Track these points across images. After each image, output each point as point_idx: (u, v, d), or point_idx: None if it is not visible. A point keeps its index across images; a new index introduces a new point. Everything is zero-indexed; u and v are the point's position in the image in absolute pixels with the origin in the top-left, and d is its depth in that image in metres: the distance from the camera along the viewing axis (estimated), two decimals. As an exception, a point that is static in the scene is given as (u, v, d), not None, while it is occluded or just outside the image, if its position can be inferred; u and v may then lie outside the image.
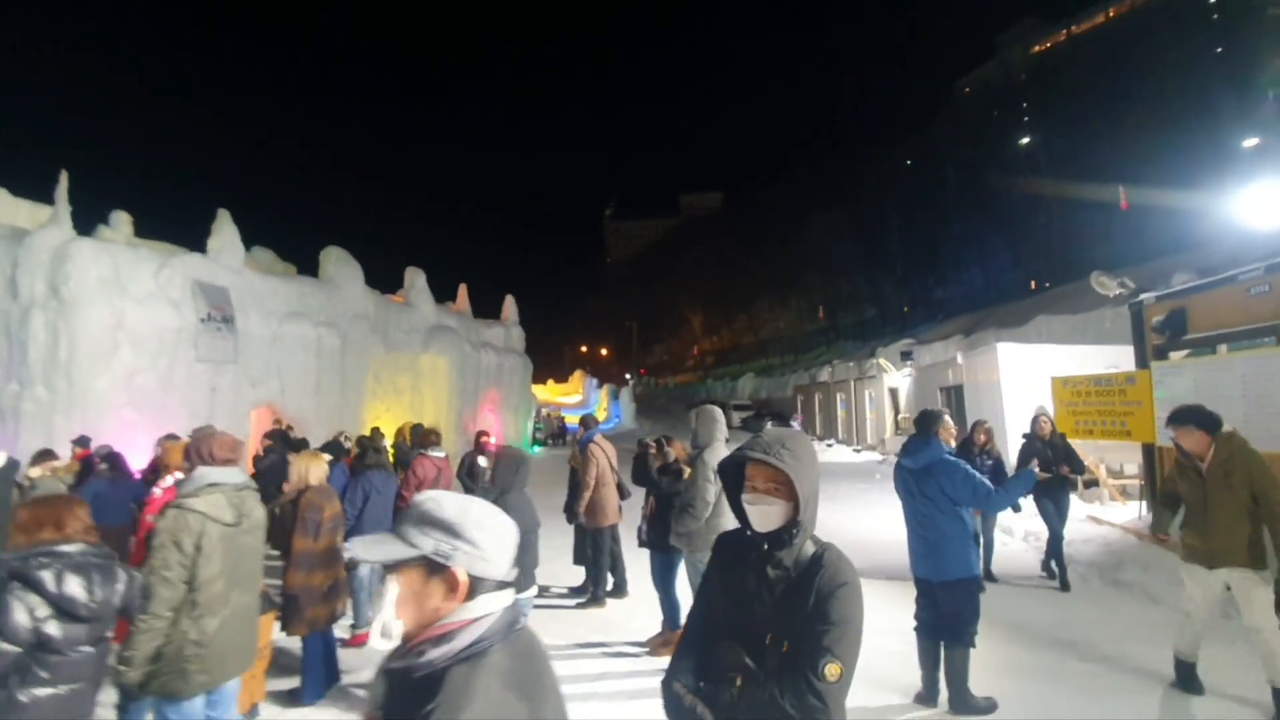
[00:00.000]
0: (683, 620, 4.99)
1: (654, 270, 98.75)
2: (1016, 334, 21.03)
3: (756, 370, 57.43)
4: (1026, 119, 67.95)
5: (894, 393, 20.61)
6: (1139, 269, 25.08)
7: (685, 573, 5.14)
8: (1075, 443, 9.69)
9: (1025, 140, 58.12)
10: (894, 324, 54.96)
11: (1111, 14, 74.50)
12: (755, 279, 73.86)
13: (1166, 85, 39.69)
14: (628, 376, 70.36)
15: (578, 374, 63.25)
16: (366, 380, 16.79)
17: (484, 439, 8.76)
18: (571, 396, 60.51)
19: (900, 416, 19.85)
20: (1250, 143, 35.52)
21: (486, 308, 25.89)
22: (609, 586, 6.71)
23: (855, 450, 23.12)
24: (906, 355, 20.54)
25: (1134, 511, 8.74)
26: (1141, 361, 8.05)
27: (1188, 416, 3.99)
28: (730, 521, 4.80)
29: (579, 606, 6.46)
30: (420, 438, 8.12)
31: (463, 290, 23.45)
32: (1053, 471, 6.67)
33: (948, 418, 4.41)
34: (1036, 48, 79.59)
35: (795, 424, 29.09)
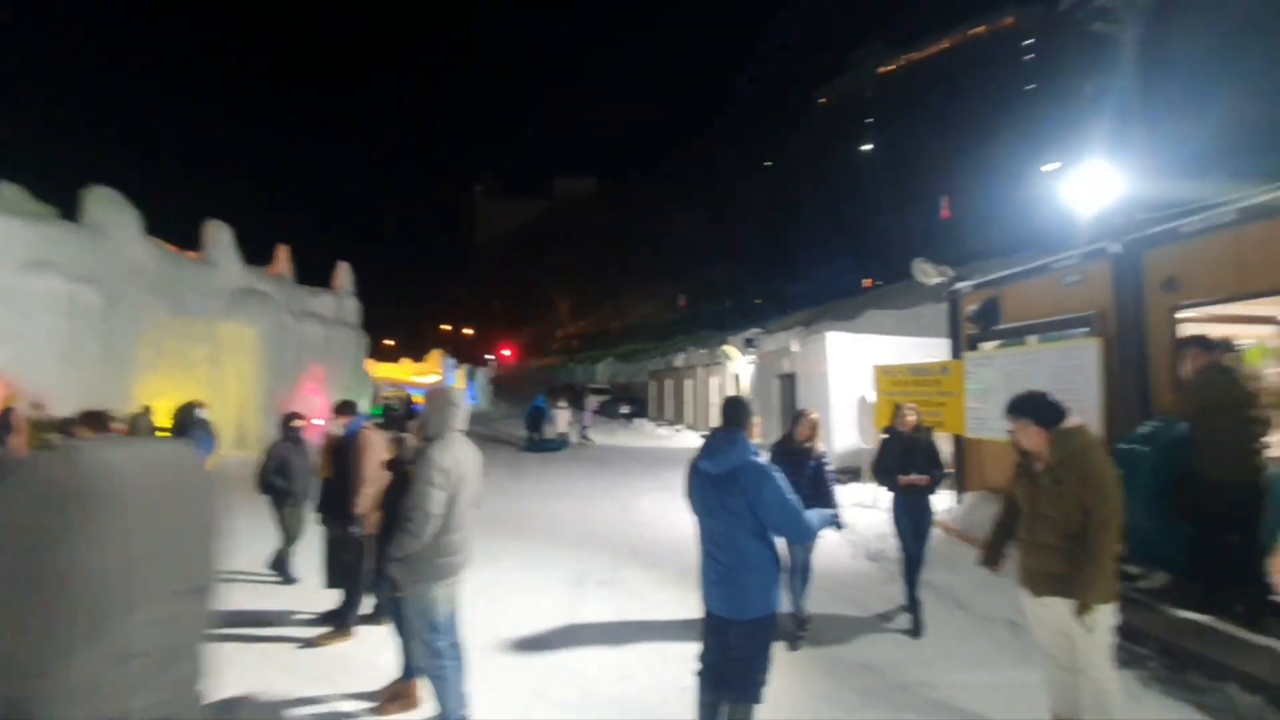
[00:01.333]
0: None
1: (524, 252, 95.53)
2: (849, 326, 21.53)
3: (617, 356, 56.89)
4: (871, 131, 72.62)
5: (737, 379, 20.41)
6: (959, 270, 26.85)
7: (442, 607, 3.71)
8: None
9: (868, 149, 61.65)
10: (748, 315, 56.52)
11: (947, 44, 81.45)
12: (623, 266, 73.43)
13: (988, 108, 43.34)
14: (488, 358, 67.49)
15: (436, 353, 59.57)
16: (140, 349, 13.79)
17: (296, 423, 6.43)
18: (427, 376, 57.02)
19: (742, 403, 19.66)
20: (1049, 168, 39.59)
21: (321, 275, 22.90)
22: (366, 611, 5.20)
23: (703, 436, 22.82)
24: (750, 343, 20.39)
25: (945, 503, 8.50)
26: (956, 351, 7.72)
27: (1023, 408, 3.17)
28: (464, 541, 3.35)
29: (306, 645, 4.89)
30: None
31: (282, 252, 20.34)
32: (927, 475, 5.11)
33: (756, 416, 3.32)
34: (883, 68, 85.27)
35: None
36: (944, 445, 10.29)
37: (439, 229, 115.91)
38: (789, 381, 15.23)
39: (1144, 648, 4.17)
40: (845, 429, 11.81)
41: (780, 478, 2.99)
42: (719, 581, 3.07)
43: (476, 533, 3.66)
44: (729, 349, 21.46)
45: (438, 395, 3.50)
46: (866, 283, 46.01)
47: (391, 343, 62.61)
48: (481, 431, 25.58)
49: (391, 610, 4.20)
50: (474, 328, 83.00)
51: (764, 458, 3.10)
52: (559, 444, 19.89)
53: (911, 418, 5.26)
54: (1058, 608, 2.97)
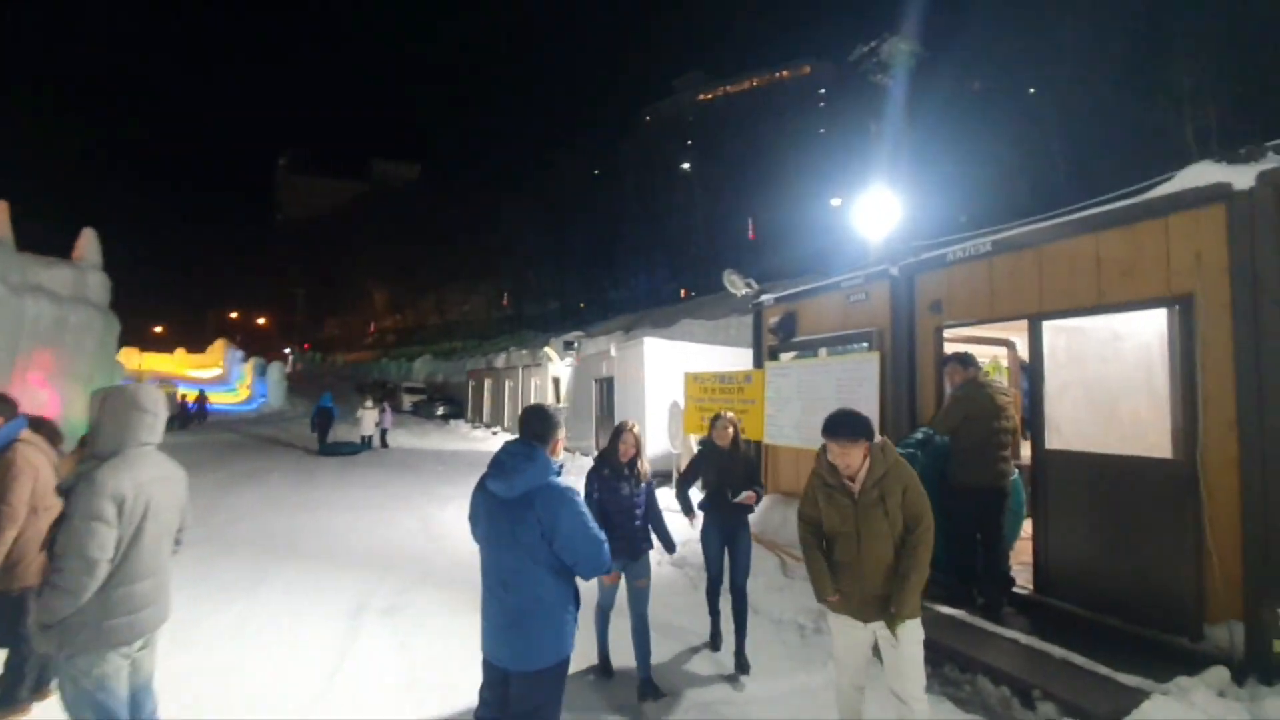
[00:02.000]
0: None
1: (335, 236, 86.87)
2: (665, 333, 22.17)
3: (436, 353, 53.87)
4: (690, 152, 76.60)
5: (557, 382, 20.03)
6: (764, 285, 28.93)
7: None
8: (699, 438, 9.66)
9: (686, 168, 64.81)
10: (572, 318, 56.60)
11: (755, 83, 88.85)
12: (447, 260, 69.69)
13: (787, 143, 47.60)
14: (288, 351, 60.37)
15: (219, 343, 52.03)
16: None
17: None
18: (208, 369, 49.53)
19: (560, 405, 19.29)
20: (835, 201, 44.44)
21: (62, 243, 18.57)
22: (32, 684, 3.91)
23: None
24: (570, 345, 20.12)
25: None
26: (758, 361, 7.97)
27: (857, 428, 2.86)
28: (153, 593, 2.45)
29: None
30: None
31: (2, 208, 16.15)
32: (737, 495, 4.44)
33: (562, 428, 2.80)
34: (702, 95, 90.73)
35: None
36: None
37: (232, 202, 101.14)
38: (607, 385, 15.14)
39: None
40: (658, 434, 11.90)
41: (582, 504, 2.54)
42: (505, 626, 2.54)
43: (233, 558, 2.83)
44: (549, 350, 21.02)
45: (113, 397, 2.58)
46: (683, 293, 48.19)
47: (161, 330, 53.44)
48: (268, 434, 22.49)
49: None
50: (270, 317, 73.76)
51: (571, 479, 2.64)
52: (355, 447, 18.10)
53: (730, 430, 4.62)
54: (874, 628, 2.88)
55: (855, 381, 6.16)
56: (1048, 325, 4.55)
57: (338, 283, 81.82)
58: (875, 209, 6.01)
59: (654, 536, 4.20)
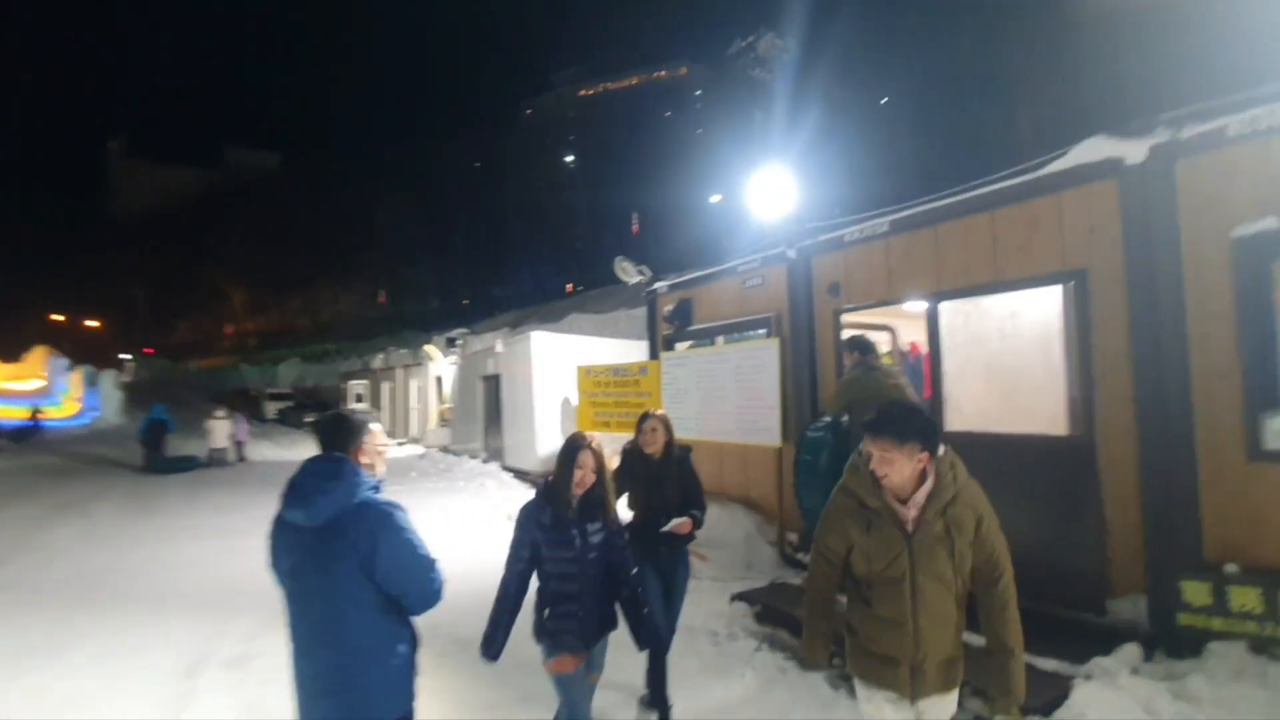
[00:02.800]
0: None
1: (182, 230, 77.48)
2: (554, 328, 21.47)
3: (305, 356, 49.51)
4: (572, 147, 75.78)
5: (439, 382, 18.77)
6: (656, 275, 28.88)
7: None
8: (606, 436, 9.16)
9: (570, 162, 64.07)
10: (455, 315, 54.16)
11: (636, 81, 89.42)
12: (315, 256, 64.19)
13: (667, 140, 48.12)
14: (127, 357, 53.14)
15: (39, 350, 44.67)
16: None
17: None
18: (26, 381, 42.44)
19: (443, 407, 18.08)
20: (716, 198, 45.52)
21: None
22: None
23: (399, 444, 20.55)
24: (453, 342, 18.92)
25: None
26: (653, 352, 7.58)
27: (909, 429, 2.04)
28: None
29: None
30: None
31: None
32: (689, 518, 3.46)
33: (376, 426, 2.23)
34: (583, 91, 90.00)
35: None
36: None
37: (55, 191, 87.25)
38: (494, 383, 14.26)
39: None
40: (549, 434, 11.26)
41: (405, 519, 2.04)
42: (328, 690, 2.01)
43: (36, 612, 2.21)
44: (430, 349, 19.67)
45: None
46: (569, 288, 47.46)
47: None
48: (98, 453, 19.33)
49: None
50: (104, 320, 64.54)
51: (382, 495, 2.10)
52: (191, 462, 15.87)
53: (660, 434, 3.54)
54: (941, 706, 2.11)
55: (754, 369, 5.90)
56: (945, 305, 4.45)
57: (188, 282, 73.24)
58: (768, 190, 5.75)
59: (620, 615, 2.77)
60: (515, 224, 58.71)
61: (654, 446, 3.53)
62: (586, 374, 8.16)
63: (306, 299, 67.36)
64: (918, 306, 4.70)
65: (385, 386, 23.37)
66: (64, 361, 41.23)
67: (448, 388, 17.94)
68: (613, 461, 2.71)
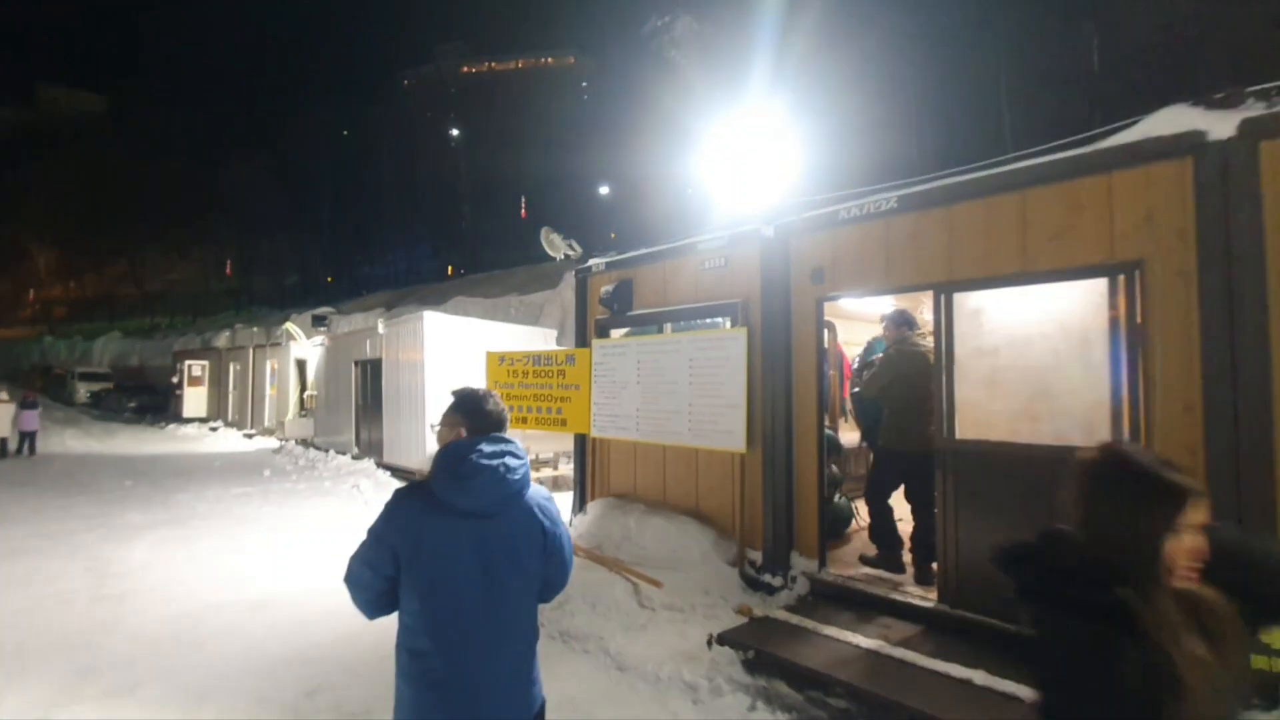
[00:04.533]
0: None
1: (-35, 177, 63.38)
2: (439, 311, 19.58)
3: (130, 330, 42.37)
4: (454, 127, 71.45)
5: (301, 365, 16.30)
6: (539, 268, 27.40)
7: None
8: (522, 434, 7.92)
9: (452, 139, 60.35)
10: (317, 294, 48.89)
11: (521, 64, 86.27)
12: (146, 218, 54.94)
13: (553, 127, 46.52)
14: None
15: None
16: None
17: None
18: None
19: (307, 394, 15.71)
20: (603, 189, 44.70)
21: None
22: None
23: (247, 436, 17.71)
24: (320, 320, 16.53)
25: (566, 514, 7.27)
26: (582, 339, 6.53)
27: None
28: None
29: None
30: None
31: None
32: None
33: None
34: (466, 67, 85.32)
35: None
36: (565, 445, 9.21)
37: None
38: (372, 369, 12.41)
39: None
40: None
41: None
42: (515, 687, 1.74)
43: None
44: (291, 327, 17.05)
45: None
46: (449, 271, 44.50)
47: None
48: None
49: None
50: None
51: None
52: None
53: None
54: None
55: (715, 363, 5.07)
56: (959, 298, 3.85)
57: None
58: (735, 164, 4.92)
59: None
60: (389, 200, 54.03)
61: None
62: (499, 362, 6.93)
63: (133, 265, 57.74)
64: (874, 304, 4.09)
65: (232, 368, 20.14)
66: None
67: (312, 373, 15.59)
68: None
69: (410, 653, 1.68)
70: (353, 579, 1.75)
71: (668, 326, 5.77)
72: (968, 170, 3.85)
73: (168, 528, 7.73)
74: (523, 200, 38.78)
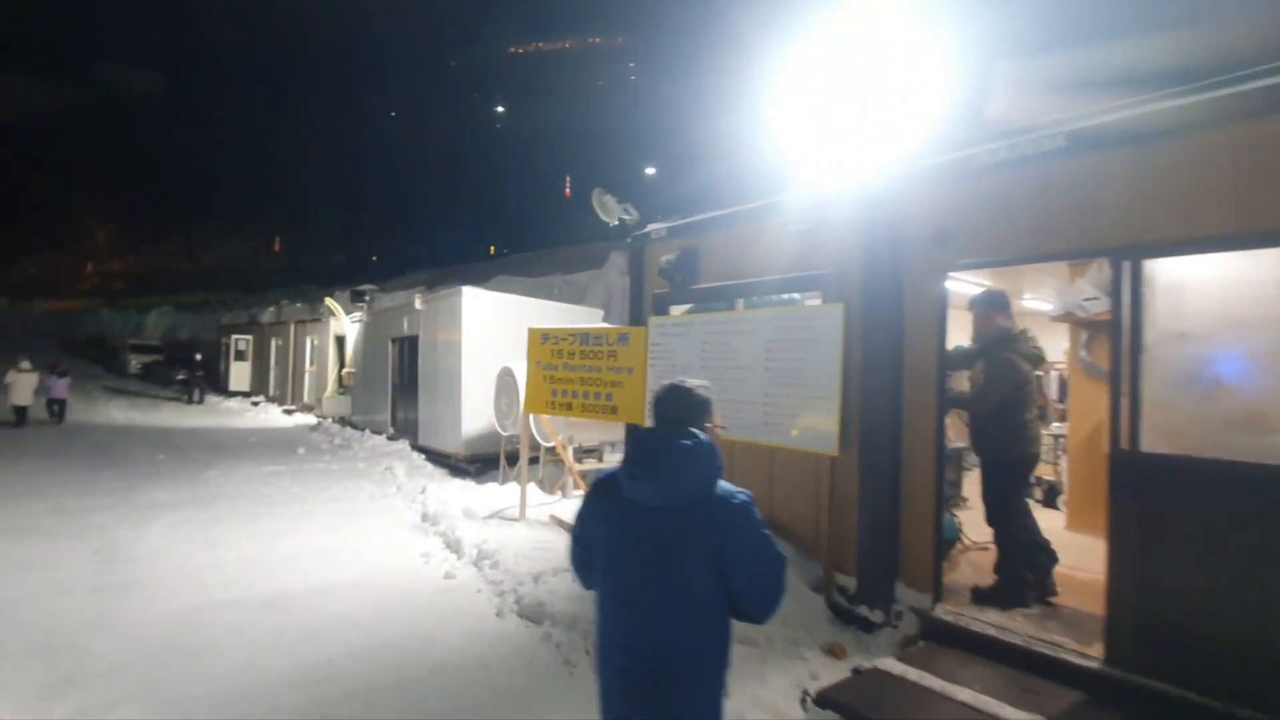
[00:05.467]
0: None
1: (41, 153, 66.31)
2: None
3: (180, 304, 43.55)
4: (500, 107, 71.41)
5: (341, 342, 16.01)
6: (584, 248, 26.77)
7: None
8: (551, 421, 7.21)
9: (496, 124, 60.23)
10: (362, 272, 49.52)
11: (568, 44, 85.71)
12: (201, 195, 56.69)
13: (598, 107, 45.65)
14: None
15: None
16: None
17: None
18: None
19: (344, 371, 15.41)
20: (649, 170, 43.73)
21: None
22: None
23: (287, 411, 17.61)
24: (359, 296, 16.20)
25: None
26: (637, 316, 5.76)
27: None
28: None
29: None
30: None
31: None
32: None
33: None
34: (513, 48, 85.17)
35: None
36: (610, 435, 8.42)
37: None
38: (408, 346, 11.93)
39: None
40: (478, 410, 9.21)
41: (758, 510, 1.74)
42: (641, 696, 1.70)
43: None
44: (331, 303, 16.79)
45: None
46: (491, 250, 44.35)
47: None
48: None
49: None
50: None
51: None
52: None
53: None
54: None
55: (800, 346, 4.23)
56: (1152, 266, 2.92)
57: (42, 212, 63.07)
58: (835, 97, 4.02)
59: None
60: (434, 180, 54.28)
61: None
62: (543, 340, 6.22)
63: (188, 241, 59.62)
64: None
65: (274, 343, 20.11)
66: None
67: (350, 350, 15.28)
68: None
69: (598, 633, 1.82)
70: (570, 550, 1.96)
71: (740, 303, 4.95)
72: (1165, 95, 2.90)
73: (190, 507, 7.32)
74: (567, 180, 38.21)
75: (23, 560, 5.37)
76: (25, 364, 13.74)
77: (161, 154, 59.24)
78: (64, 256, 62.44)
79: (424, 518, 6.92)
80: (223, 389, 22.97)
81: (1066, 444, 5.82)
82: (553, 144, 45.92)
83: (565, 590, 4.53)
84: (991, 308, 3.88)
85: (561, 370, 6.03)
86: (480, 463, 9.38)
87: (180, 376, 25.94)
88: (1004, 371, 3.85)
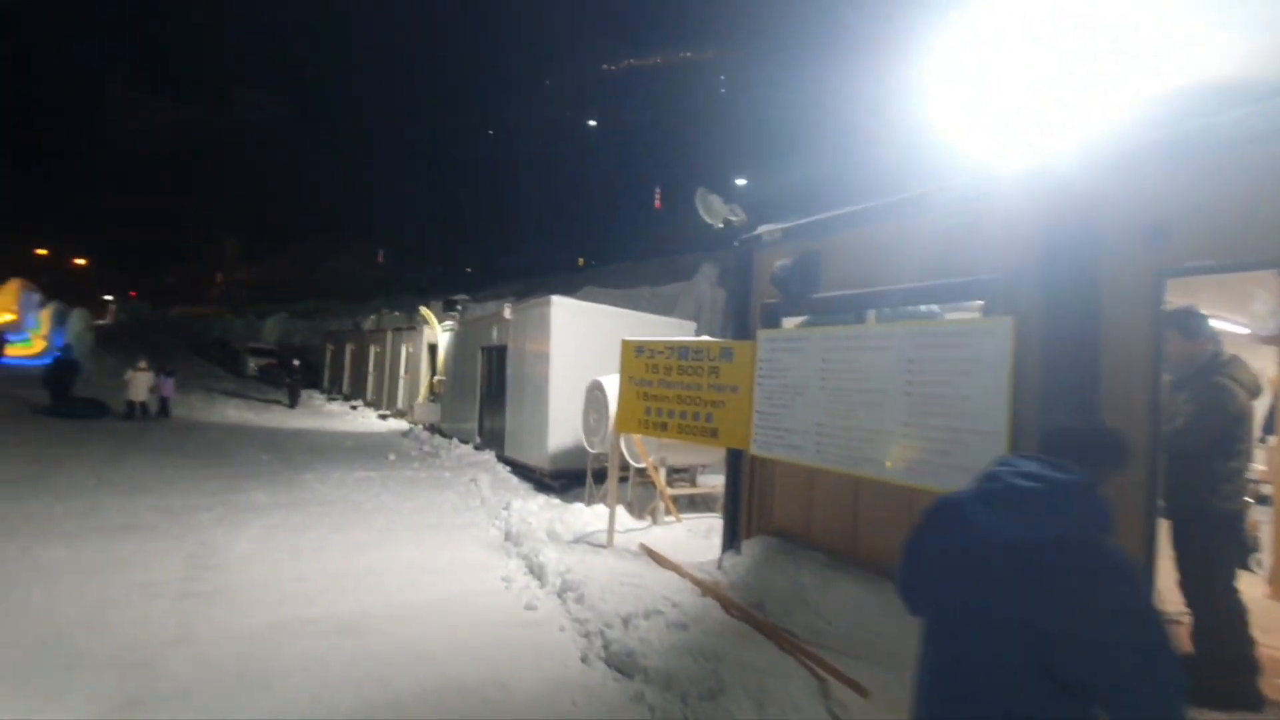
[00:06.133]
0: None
1: (181, 172, 73.98)
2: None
3: (295, 312, 46.82)
4: (591, 121, 72.99)
5: (433, 350, 16.33)
6: (672, 260, 26.42)
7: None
8: (642, 441, 6.73)
9: (588, 138, 61.34)
10: (457, 283, 51.58)
11: (660, 60, 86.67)
12: (315, 209, 61.33)
13: (695, 120, 45.38)
14: (109, 298, 50.52)
15: (14, 283, 42.04)
16: None
17: None
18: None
19: (436, 379, 15.66)
20: (740, 181, 42.99)
21: None
22: None
23: (382, 416, 18.16)
24: (452, 305, 16.50)
25: (709, 546, 5.92)
26: (742, 329, 5.17)
27: None
28: None
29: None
30: None
31: None
32: None
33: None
34: (607, 65, 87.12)
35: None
36: (705, 457, 7.66)
37: (50, 121, 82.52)
38: (497, 356, 11.86)
39: None
40: (565, 425, 8.87)
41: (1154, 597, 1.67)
42: None
43: None
44: (426, 311, 17.20)
45: None
46: (580, 262, 44.98)
47: None
48: (15, 393, 16.66)
49: None
50: (90, 258, 61.56)
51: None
52: (98, 409, 14.37)
53: None
54: None
55: (953, 367, 3.51)
56: None
57: (181, 227, 70.11)
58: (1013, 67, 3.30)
59: None
60: (526, 193, 55.94)
61: None
62: (637, 353, 5.75)
63: (303, 251, 64.44)
64: None
65: (372, 350, 20.92)
66: (37, 296, 38.68)
67: (442, 357, 15.52)
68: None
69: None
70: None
71: (870, 315, 4.27)
72: None
73: (284, 511, 7.37)
74: (657, 191, 38.19)
75: (123, 559, 5.43)
76: (142, 364, 15.28)
77: (283, 174, 64.52)
78: (199, 267, 69.13)
79: (507, 536, 6.59)
80: (326, 392, 24.20)
81: (1273, 490, 4.72)
82: (643, 156, 46.19)
83: (659, 639, 3.98)
84: (1193, 328, 3.09)
85: (657, 386, 5.53)
86: (565, 478, 9.03)
87: (289, 378, 27.70)
88: (1220, 400, 3.10)
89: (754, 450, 4.79)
